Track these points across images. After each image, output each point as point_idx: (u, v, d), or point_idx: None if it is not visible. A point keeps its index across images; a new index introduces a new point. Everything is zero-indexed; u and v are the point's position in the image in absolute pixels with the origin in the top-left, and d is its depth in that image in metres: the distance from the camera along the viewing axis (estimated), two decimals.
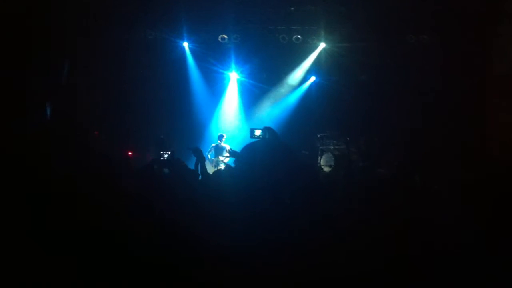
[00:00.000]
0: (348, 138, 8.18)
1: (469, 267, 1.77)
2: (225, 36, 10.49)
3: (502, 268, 1.71)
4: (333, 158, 10.22)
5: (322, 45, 10.68)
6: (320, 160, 10.48)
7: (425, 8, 8.46)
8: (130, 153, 10.46)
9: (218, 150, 10.00)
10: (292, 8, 9.93)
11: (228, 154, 8.61)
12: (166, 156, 4.61)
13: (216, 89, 11.79)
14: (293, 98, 11.54)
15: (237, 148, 7.03)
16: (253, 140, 5.29)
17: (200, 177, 4.26)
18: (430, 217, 2.49)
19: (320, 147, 10.68)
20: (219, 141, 10.16)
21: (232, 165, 5.39)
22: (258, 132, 4.82)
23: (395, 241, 2.18)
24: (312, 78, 11.47)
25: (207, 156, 9.69)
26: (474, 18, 7.81)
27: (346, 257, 2.02)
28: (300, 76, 11.34)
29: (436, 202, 3.01)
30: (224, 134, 10.34)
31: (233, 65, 11.38)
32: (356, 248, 2.11)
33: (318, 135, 10.78)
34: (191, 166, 4.49)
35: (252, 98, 11.74)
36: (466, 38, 8.11)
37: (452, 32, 8.50)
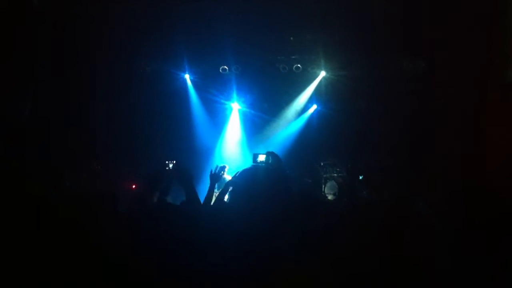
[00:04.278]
0: (349, 165, 8.09)
1: (469, 268, 1.71)
2: (226, 67, 10.61)
3: (501, 268, 1.65)
4: (337, 186, 10.10)
5: (323, 74, 10.77)
6: (324, 188, 10.37)
7: (420, 34, 8.52)
8: (134, 186, 10.41)
9: (222, 182, 9.90)
10: (292, 38, 10.05)
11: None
12: (171, 165, 4.13)
13: (218, 120, 11.84)
14: (295, 126, 11.53)
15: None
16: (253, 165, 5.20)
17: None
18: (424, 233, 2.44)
19: (324, 175, 10.58)
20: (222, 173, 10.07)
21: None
22: (262, 157, 4.72)
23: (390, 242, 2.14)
24: (314, 107, 11.50)
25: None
26: (471, 41, 7.83)
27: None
28: (302, 105, 11.37)
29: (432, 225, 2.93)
30: (226, 165, 10.26)
31: (234, 96, 11.47)
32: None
33: (321, 163, 10.69)
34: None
35: (254, 127, 11.75)
36: (463, 62, 8.12)
37: (449, 56, 8.53)
